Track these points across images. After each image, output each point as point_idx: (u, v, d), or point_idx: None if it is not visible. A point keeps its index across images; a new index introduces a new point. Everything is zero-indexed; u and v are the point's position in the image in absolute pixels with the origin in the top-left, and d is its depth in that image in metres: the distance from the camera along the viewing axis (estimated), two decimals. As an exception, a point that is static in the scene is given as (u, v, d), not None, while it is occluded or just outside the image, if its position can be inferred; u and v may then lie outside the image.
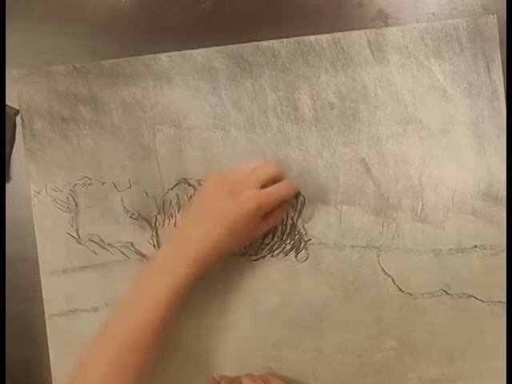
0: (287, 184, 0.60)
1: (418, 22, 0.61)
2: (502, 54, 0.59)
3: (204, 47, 0.63)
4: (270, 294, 0.63)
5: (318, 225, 0.62)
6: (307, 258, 0.62)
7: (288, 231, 0.63)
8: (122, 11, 0.65)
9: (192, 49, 0.63)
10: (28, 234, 0.65)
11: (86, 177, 0.65)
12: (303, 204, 0.62)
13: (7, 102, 0.65)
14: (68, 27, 0.66)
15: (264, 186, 0.57)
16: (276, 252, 0.63)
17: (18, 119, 0.65)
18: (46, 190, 0.65)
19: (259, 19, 0.64)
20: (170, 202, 0.64)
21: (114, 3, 0.65)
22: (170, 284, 0.54)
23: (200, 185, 0.63)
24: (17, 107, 0.65)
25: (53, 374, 0.65)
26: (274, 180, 0.59)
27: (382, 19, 0.62)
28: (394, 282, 0.61)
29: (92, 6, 0.66)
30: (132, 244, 0.65)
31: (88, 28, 0.66)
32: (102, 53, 0.65)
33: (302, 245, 0.62)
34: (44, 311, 0.65)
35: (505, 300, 0.60)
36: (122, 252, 0.65)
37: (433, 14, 0.61)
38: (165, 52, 0.64)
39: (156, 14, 0.65)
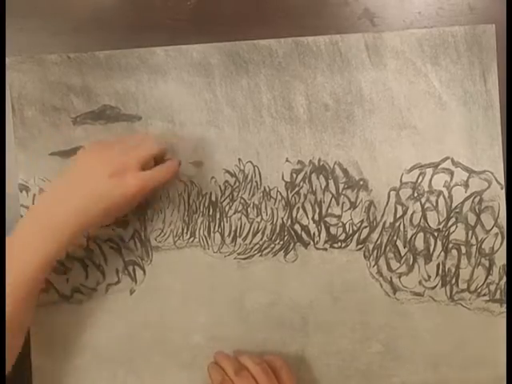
0: (171, 166, 0.59)
1: (404, 21, 0.61)
2: (497, 61, 0.59)
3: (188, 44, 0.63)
4: (258, 294, 0.63)
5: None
6: (296, 258, 0.62)
7: (278, 231, 0.62)
8: (106, 9, 0.65)
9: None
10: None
11: (75, 168, 0.64)
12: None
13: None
14: (52, 24, 0.65)
15: (146, 165, 0.57)
16: (265, 252, 0.63)
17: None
18: (35, 179, 0.64)
19: (242, 18, 0.63)
20: (160, 197, 0.64)
21: (98, 0, 0.65)
22: (31, 262, 0.52)
23: (191, 184, 0.63)
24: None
25: (33, 364, 0.65)
26: (156, 158, 0.59)
27: (369, 18, 0.62)
28: (381, 287, 0.61)
29: (76, 3, 0.65)
30: (120, 237, 0.64)
31: (72, 25, 0.65)
32: (85, 50, 0.64)
33: (291, 245, 0.62)
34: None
35: (490, 309, 0.60)
36: (109, 245, 0.64)
37: (419, 13, 0.61)
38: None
39: (140, 12, 0.64)
